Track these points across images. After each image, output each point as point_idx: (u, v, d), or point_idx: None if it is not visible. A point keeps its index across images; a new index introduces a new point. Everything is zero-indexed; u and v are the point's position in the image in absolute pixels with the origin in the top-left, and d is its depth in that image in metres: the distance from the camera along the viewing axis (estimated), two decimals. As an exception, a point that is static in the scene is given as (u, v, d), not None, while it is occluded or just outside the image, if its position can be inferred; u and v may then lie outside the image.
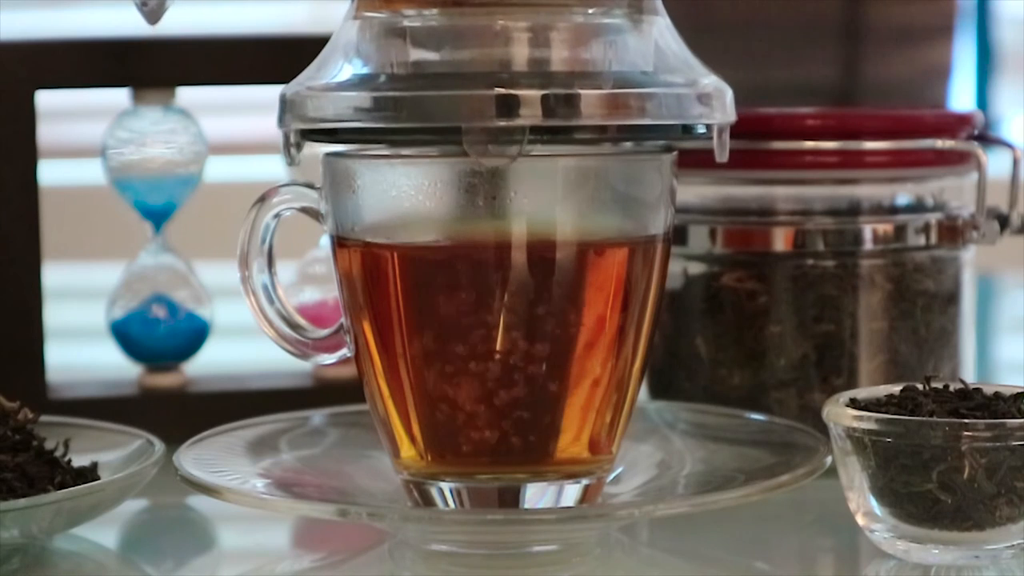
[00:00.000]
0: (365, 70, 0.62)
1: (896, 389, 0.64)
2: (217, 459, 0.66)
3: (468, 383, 0.62)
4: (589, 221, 0.62)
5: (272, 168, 0.89)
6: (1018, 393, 0.62)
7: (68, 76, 0.79)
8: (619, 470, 0.67)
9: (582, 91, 0.59)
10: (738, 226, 0.75)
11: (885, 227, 0.74)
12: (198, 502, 0.71)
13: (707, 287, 0.75)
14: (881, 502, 0.60)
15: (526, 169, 0.61)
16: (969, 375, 0.76)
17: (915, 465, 0.59)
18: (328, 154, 0.64)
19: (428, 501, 0.64)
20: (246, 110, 1.59)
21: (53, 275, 0.83)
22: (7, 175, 0.78)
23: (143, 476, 0.64)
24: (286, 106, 0.63)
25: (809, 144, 0.74)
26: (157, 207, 0.82)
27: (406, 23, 0.61)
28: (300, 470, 0.68)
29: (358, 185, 0.62)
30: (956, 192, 0.77)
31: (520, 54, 0.60)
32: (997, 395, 0.62)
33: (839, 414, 0.61)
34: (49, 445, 0.66)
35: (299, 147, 0.64)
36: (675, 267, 0.75)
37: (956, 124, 0.76)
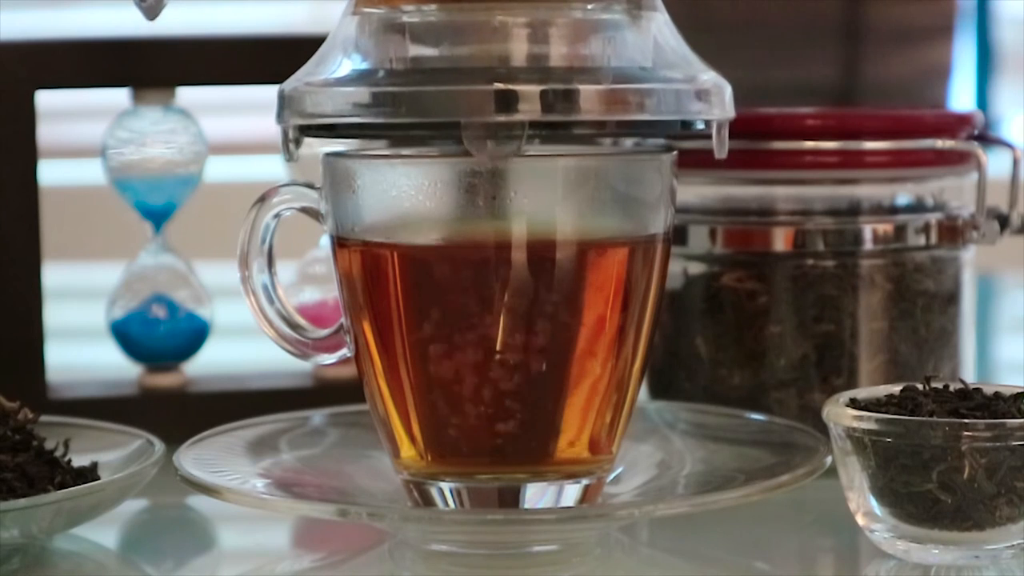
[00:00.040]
0: (364, 66, 0.62)
1: (896, 389, 0.64)
2: (217, 459, 0.66)
3: (468, 383, 0.62)
4: (589, 221, 0.62)
5: (272, 168, 0.89)
6: (1018, 393, 0.62)
7: (68, 76, 0.79)
8: (619, 470, 0.67)
9: (581, 87, 0.59)
10: (738, 226, 0.75)
11: (885, 227, 0.74)
12: (198, 502, 0.71)
13: (707, 287, 0.75)
14: (881, 502, 0.60)
15: (526, 169, 0.61)
16: (969, 375, 0.76)
17: (915, 465, 0.59)
18: (328, 154, 0.64)
19: (428, 501, 0.64)
20: (246, 110, 1.59)
21: (53, 275, 0.83)
22: (7, 175, 0.78)
23: (143, 476, 0.64)
24: (284, 102, 0.63)
25: (809, 144, 0.74)
26: (157, 207, 0.82)
27: (405, 18, 0.61)
28: (300, 470, 0.68)
29: (358, 185, 0.62)
30: (956, 192, 0.77)
31: (519, 50, 0.60)
32: (997, 395, 0.62)
33: (839, 414, 0.61)
34: (49, 445, 0.66)
35: (298, 143, 0.64)
36: (675, 267, 0.75)
37: (956, 124, 0.76)
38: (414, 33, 0.61)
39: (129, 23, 0.76)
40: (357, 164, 0.63)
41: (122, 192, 0.82)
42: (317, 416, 0.73)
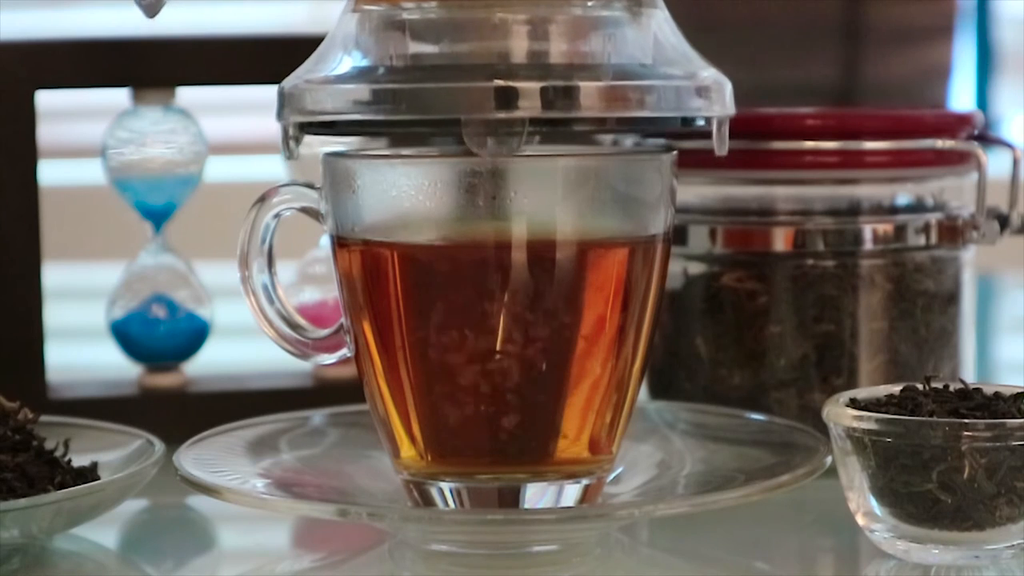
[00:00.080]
0: (364, 63, 0.62)
1: (896, 389, 0.64)
2: (217, 459, 0.66)
3: (468, 383, 0.62)
4: (589, 221, 0.62)
5: (272, 168, 0.89)
6: (1018, 393, 0.62)
7: (68, 76, 0.79)
8: (619, 470, 0.67)
9: (581, 83, 0.59)
10: (738, 226, 0.75)
11: (885, 227, 0.74)
12: (198, 502, 0.71)
13: (707, 287, 0.75)
14: (881, 502, 0.60)
15: (526, 169, 0.61)
16: (969, 375, 0.76)
17: (915, 465, 0.59)
18: (328, 154, 0.64)
19: (428, 501, 0.64)
20: (246, 110, 1.59)
21: (53, 275, 0.83)
22: (7, 175, 0.78)
23: (143, 476, 0.64)
24: (285, 99, 0.63)
25: (809, 144, 0.74)
26: (157, 207, 0.82)
27: (405, 16, 0.61)
28: (300, 470, 0.68)
29: (358, 185, 0.62)
30: (956, 192, 0.77)
31: (519, 47, 0.60)
32: (997, 395, 0.62)
33: (839, 414, 0.61)
34: (49, 445, 0.66)
35: (298, 140, 0.64)
36: (675, 267, 0.75)
37: (956, 124, 0.76)
38: (414, 30, 0.61)
39: (129, 23, 0.76)
40: (357, 164, 0.63)
41: (122, 192, 0.82)
42: (317, 416, 0.73)
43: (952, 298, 0.76)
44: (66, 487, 0.63)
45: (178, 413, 0.79)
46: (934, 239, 0.75)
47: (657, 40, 0.62)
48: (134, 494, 0.65)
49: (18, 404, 0.67)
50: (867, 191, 0.75)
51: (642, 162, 0.64)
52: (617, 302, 0.63)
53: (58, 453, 0.66)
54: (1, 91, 0.78)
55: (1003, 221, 0.76)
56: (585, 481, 0.64)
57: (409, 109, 0.60)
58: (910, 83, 1.51)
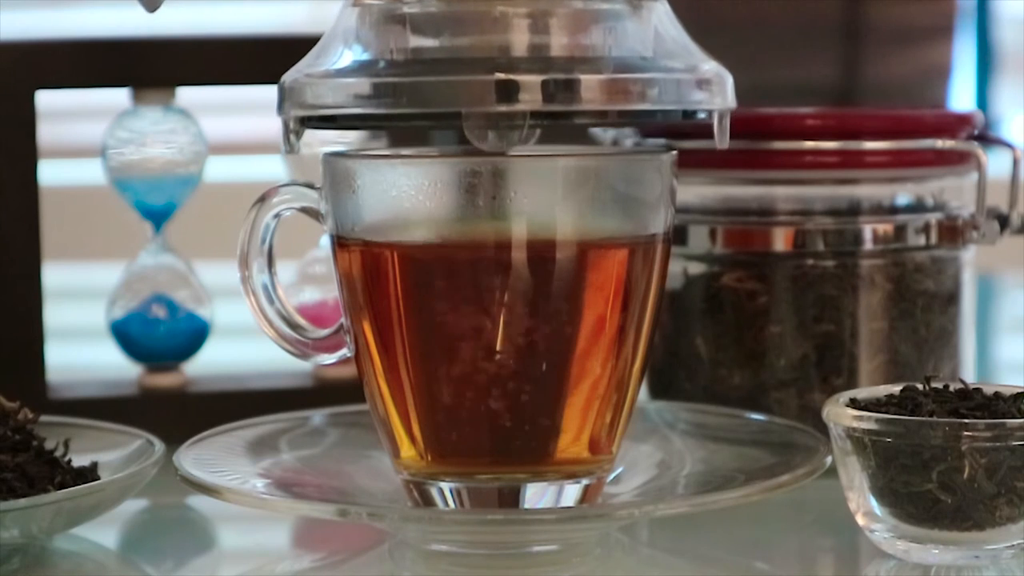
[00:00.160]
0: (364, 57, 0.62)
1: (896, 389, 0.64)
2: (217, 459, 0.66)
3: (468, 383, 0.62)
4: (589, 221, 0.62)
5: (272, 168, 0.89)
6: (1018, 393, 0.62)
7: (68, 76, 0.79)
8: (619, 470, 0.67)
9: (582, 76, 0.59)
10: (738, 226, 0.75)
11: (885, 227, 0.74)
12: (198, 502, 0.71)
13: (707, 287, 0.75)
14: (881, 502, 0.60)
15: (526, 169, 0.61)
16: (969, 375, 0.76)
17: (915, 465, 0.59)
18: (328, 154, 0.64)
19: (428, 501, 0.64)
20: (246, 110, 1.59)
21: (53, 275, 0.83)
22: (7, 175, 0.78)
23: (143, 476, 0.64)
24: (285, 93, 0.63)
25: (809, 144, 0.74)
26: (157, 207, 0.82)
27: (405, 9, 0.61)
28: (300, 470, 0.68)
29: (358, 185, 0.62)
30: (956, 192, 0.77)
31: (520, 40, 0.60)
32: (997, 395, 0.62)
33: (839, 414, 0.61)
34: (49, 445, 0.66)
35: (298, 134, 0.64)
36: (675, 267, 0.75)
37: (956, 124, 0.76)
38: (415, 24, 0.61)
39: (129, 23, 0.76)
40: (357, 164, 0.63)
41: (122, 192, 0.82)
42: (317, 416, 0.73)
43: (952, 298, 0.76)
44: (66, 487, 0.63)
45: (178, 413, 0.79)
46: (934, 239, 0.75)
47: (658, 33, 0.62)
48: (134, 494, 0.65)
49: (18, 404, 0.67)
50: (867, 191, 0.75)
51: (642, 162, 0.64)
52: (617, 302, 0.63)
53: (58, 453, 0.66)
54: (1, 91, 0.78)
55: (1003, 221, 0.76)
56: (585, 481, 0.64)
57: (410, 103, 0.60)
58: (910, 83, 1.51)
